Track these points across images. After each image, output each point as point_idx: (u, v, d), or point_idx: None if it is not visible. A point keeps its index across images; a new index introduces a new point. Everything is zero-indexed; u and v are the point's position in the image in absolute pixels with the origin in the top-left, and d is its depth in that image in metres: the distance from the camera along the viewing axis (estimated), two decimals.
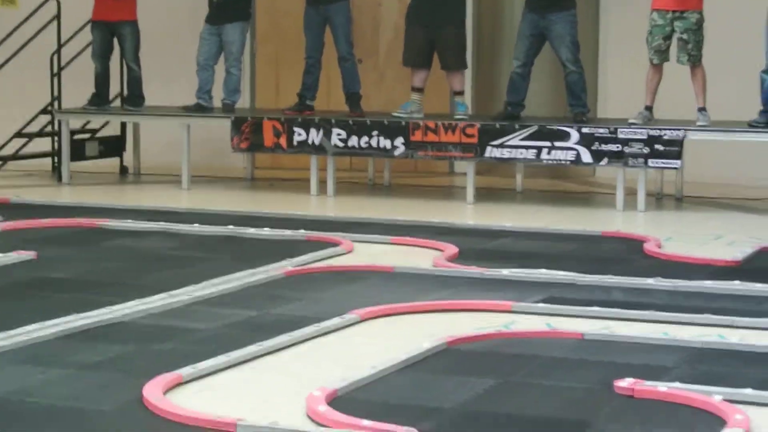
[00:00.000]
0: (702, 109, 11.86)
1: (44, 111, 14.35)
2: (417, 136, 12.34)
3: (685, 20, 11.83)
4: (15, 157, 14.43)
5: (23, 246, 9.59)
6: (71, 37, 14.43)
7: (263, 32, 14.64)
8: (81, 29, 14.35)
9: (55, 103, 14.27)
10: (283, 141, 12.80)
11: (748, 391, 5.61)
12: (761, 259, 9.34)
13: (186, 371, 5.95)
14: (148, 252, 9.72)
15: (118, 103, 14.46)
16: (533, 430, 5.23)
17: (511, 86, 12.57)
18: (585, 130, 11.88)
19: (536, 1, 12.33)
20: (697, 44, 11.85)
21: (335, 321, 7.12)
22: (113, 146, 14.65)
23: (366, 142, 12.56)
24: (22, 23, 14.59)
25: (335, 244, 9.73)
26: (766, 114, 11.62)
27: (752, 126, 11.67)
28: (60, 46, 14.34)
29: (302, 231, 10.31)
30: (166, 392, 5.63)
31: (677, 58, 11.94)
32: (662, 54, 11.99)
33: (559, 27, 12.29)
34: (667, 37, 11.93)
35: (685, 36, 11.85)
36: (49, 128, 14.42)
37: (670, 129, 11.67)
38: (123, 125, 14.62)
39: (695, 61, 11.86)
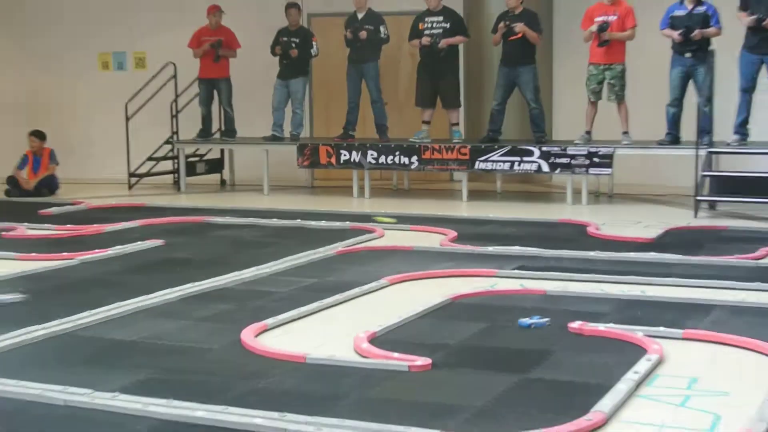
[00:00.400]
0: (625, 133, 11.87)
1: (167, 142, 14.33)
2: (426, 155, 12.37)
3: (612, 70, 11.78)
4: (147, 174, 14.47)
5: (154, 236, 9.70)
6: (185, 90, 14.38)
7: (318, 83, 14.53)
8: (191, 84, 14.29)
9: (175, 137, 14.28)
10: (333, 160, 12.86)
11: (661, 329, 5.77)
12: (668, 237, 9.33)
13: (270, 321, 6.15)
14: (240, 239, 9.76)
15: (218, 135, 14.48)
16: (512, 358, 5.43)
17: (492, 119, 12.54)
18: (544, 148, 11.90)
19: (508, 58, 12.28)
20: (621, 87, 11.81)
21: (372, 285, 7.26)
22: (215, 166, 14.65)
23: (391, 160, 12.59)
24: (150, 80, 14.51)
25: (371, 232, 9.76)
26: (670, 135, 11.64)
27: (661, 144, 11.73)
28: (177, 96, 14.29)
29: (347, 222, 10.33)
30: (256, 336, 5.82)
31: (608, 97, 11.93)
32: (597, 94, 11.95)
33: (525, 77, 12.26)
34: (600, 82, 11.87)
35: (612, 81, 11.80)
36: (170, 154, 14.44)
37: (603, 147, 11.70)
38: (222, 151, 14.62)
39: (620, 100, 11.84)
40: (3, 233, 10.21)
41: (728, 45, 11.28)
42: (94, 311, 6.49)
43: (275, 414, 4.40)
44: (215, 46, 13.85)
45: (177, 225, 10.69)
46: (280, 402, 4.61)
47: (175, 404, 4.58)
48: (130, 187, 14.35)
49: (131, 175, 14.42)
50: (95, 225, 10.57)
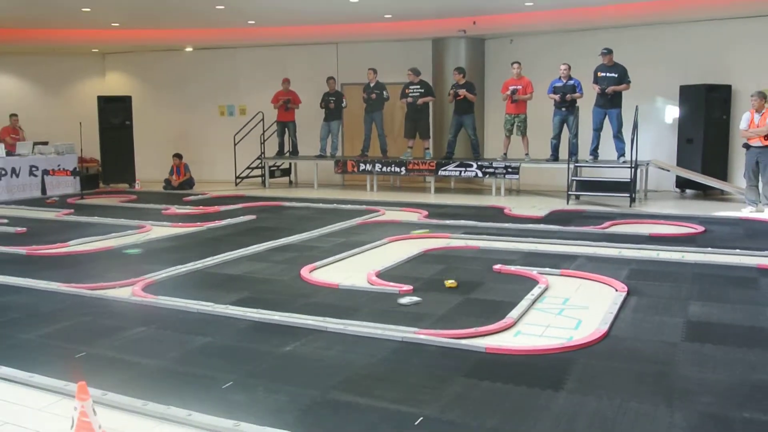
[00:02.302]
0: (527, 154, 11.87)
1: (258, 158, 14.29)
2: (410, 166, 12.36)
3: (519, 117, 11.73)
4: (246, 177, 14.41)
5: (250, 213, 9.73)
6: (269, 127, 14.32)
7: (346, 124, 14.40)
8: (272, 124, 14.23)
9: (262, 155, 14.20)
10: (355, 168, 12.86)
11: (547, 269, 5.81)
12: (552, 216, 9.33)
13: (318, 263, 6.19)
14: (300, 215, 9.76)
15: (288, 154, 14.40)
16: (460, 285, 5.45)
17: (448, 145, 12.48)
18: (479, 163, 11.88)
19: (458, 110, 12.20)
20: (524, 127, 11.74)
21: (379, 242, 7.34)
22: (286, 172, 14.57)
23: (389, 169, 12.62)
24: (248, 122, 14.46)
25: (378, 212, 9.78)
26: (553, 156, 11.56)
27: (547, 161, 11.68)
28: (264, 131, 14.27)
29: (364, 206, 10.34)
30: (310, 272, 5.84)
31: (516, 133, 11.87)
32: (510, 131, 11.89)
33: (468, 121, 12.21)
34: (512, 124, 11.83)
35: (519, 124, 11.75)
36: (260, 164, 14.39)
37: (514, 162, 11.69)
38: (290, 164, 14.57)
39: (524, 135, 11.79)
40: (163, 211, 10.26)
41: (587, 103, 11.27)
42: (215, 257, 6.54)
43: (320, 318, 4.45)
44: (286, 102, 13.80)
45: (263, 207, 10.68)
46: (323, 311, 4.68)
47: (262, 312, 4.65)
48: (236, 184, 14.28)
49: (237, 177, 14.36)
50: (215, 206, 10.59)
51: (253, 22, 12.63)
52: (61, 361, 3.82)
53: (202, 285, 5.57)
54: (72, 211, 10.35)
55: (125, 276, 5.74)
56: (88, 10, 11.23)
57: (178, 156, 13.98)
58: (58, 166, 13.17)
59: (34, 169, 12.83)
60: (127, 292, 5.30)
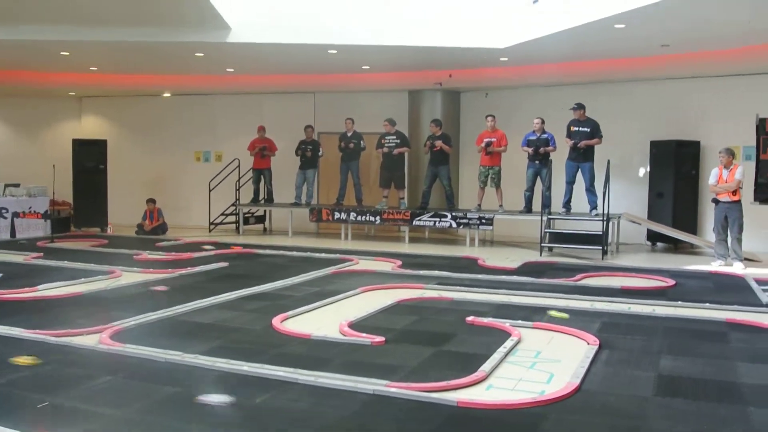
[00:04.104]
0: (500, 206, 11.95)
1: (232, 204, 14.27)
2: (385, 216, 12.40)
3: (493, 169, 11.83)
4: (220, 223, 14.36)
5: (223, 260, 9.65)
6: (244, 174, 14.35)
7: (322, 172, 14.52)
8: (247, 171, 14.26)
9: (237, 201, 14.20)
10: (330, 217, 12.86)
11: (519, 321, 5.81)
12: (525, 267, 9.38)
13: (290, 313, 6.13)
14: (274, 263, 9.70)
15: (263, 201, 14.34)
16: (432, 337, 5.44)
17: (423, 196, 12.55)
18: (453, 213, 11.96)
19: (433, 161, 12.30)
20: (498, 179, 11.82)
21: (352, 292, 7.29)
22: (261, 219, 14.53)
23: (364, 218, 12.64)
24: (224, 168, 14.53)
25: (351, 261, 9.76)
26: (526, 208, 11.64)
27: (521, 212, 11.76)
28: (239, 178, 14.31)
29: (338, 255, 10.32)
30: (281, 321, 5.79)
31: (490, 185, 11.96)
32: (484, 183, 11.96)
33: (443, 172, 12.33)
34: (486, 176, 11.92)
35: (493, 176, 11.83)
36: (234, 211, 14.34)
37: (487, 213, 11.77)
38: (265, 211, 14.53)
39: (498, 186, 11.86)
40: (134, 256, 10.15)
41: (560, 156, 11.44)
42: (185, 305, 6.45)
43: (290, 369, 4.39)
44: (262, 149, 13.84)
45: (236, 254, 10.61)
46: (294, 362, 4.61)
47: (231, 362, 4.57)
48: (210, 230, 14.19)
49: (210, 223, 14.29)
50: (188, 253, 10.50)
51: (231, 69, 12.72)
52: (22, 412, 3.71)
53: (171, 333, 5.48)
54: (41, 254, 10.19)
55: (93, 323, 5.64)
56: (67, 53, 11.25)
57: (151, 201, 13.91)
58: (29, 208, 13.02)
59: (3, 211, 12.66)
60: (94, 339, 5.19)
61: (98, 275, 8.27)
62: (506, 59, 10.95)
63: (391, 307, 6.54)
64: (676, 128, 12.20)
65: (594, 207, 11.02)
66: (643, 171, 12.64)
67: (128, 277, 8.22)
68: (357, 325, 5.69)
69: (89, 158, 14.15)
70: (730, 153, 9.72)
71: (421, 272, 8.69)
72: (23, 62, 12.21)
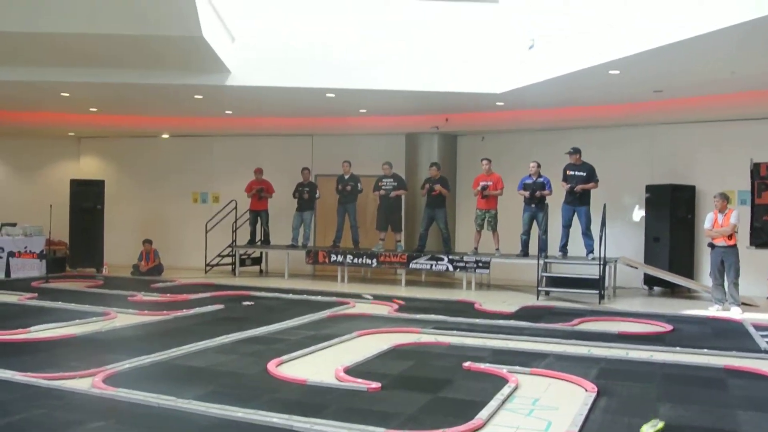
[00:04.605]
0: (497, 249, 11.95)
1: (229, 246, 14.24)
2: (382, 259, 12.36)
3: (490, 213, 11.86)
4: (216, 265, 14.30)
5: (218, 302, 9.59)
6: (241, 216, 14.35)
7: (319, 214, 14.53)
8: (244, 213, 14.26)
9: (234, 243, 14.15)
10: (327, 259, 12.82)
11: (517, 367, 5.75)
12: (522, 312, 9.32)
13: (285, 357, 6.07)
14: (270, 305, 9.64)
15: (259, 243, 14.32)
16: (428, 383, 5.38)
17: (420, 238, 12.52)
18: (450, 257, 11.93)
19: (430, 204, 12.34)
20: (495, 223, 11.84)
21: (347, 336, 7.23)
22: (257, 261, 14.47)
23: (361, 261, 12.60)
24: (221, 210, 14.56)
25: (348, 304, 9.70)
26: (523, 251, 11.63)
27: (517, 256, 11.70)
28: (236, 219, 14.31)
29: (334, 297, 10.27)
30: (276, 366, 5.73)
31: (487, 229, 11.97)
32: (480, 226, 11.96)
33: (440, 215, 12.34)
34: (483, 220, 11.94)
35: (490, 219, 11.84)
36: (231, 253, 14.30)
37: (484, 257, 11.74)
38: (261, 252, 14.47)
39: (494, 230, 11.88)
40: (128, 297, 10.09)
41: (556, 200, 11.48)
42: (180, 348, 6.39)
43: (285, 416, 4.33)
44: (260, 191, 13.88)
45: (232, 296, 10.55)
46: (289, 408, 4.55)
47: (225, 408, 4.51)
48: (206, 272, 14.14)
49: (206, 264, 14.23)
50: (184, 294, 10.45)
51: (230, 112, 12.84)
52: None
53: (165, 377, 5.41)
54: (36, 295, 10.13)
55: (86, 366, 5.57)
56: (67, 95, 11.35)
57: (148, 242, 13.89)
58: (25, 248, 12.98)
59: None
60: (86, 383, 5.12)
61: (93, 317, 8.20)
62: (502, 104, 11.08)
63: (388, 352, 6.48)
64: (671, 172, 12.29)
65: (590, 251, 11.02)
66: (638, 214, 12.68)
67: (123, 319, 8.16)
68: (353, 371, 5.63)
69: (87, 198, 14.17)
70: (725, 197, 9.77)
71: (418, 316, 8.63)
72: (23, 102, 12.31)
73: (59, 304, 9.15)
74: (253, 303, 9.59)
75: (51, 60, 9.73)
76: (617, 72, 8.73)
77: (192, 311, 8.78)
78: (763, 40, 7.12)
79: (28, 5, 7.87)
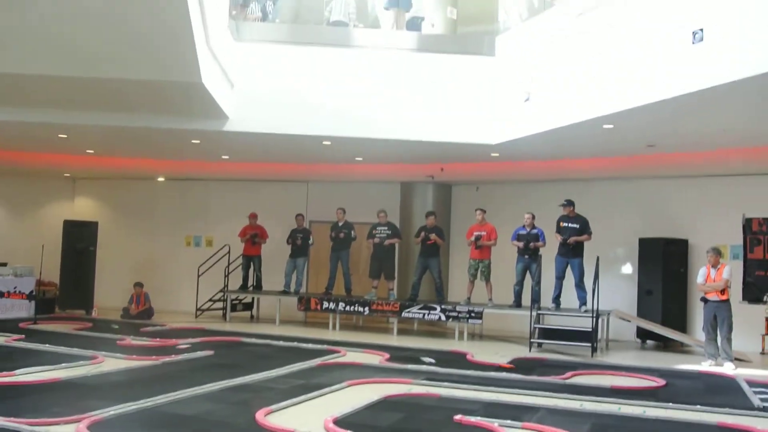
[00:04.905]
0: (490, 299, 11.90)
1: (221, 291, 14.15)
2: (374, 307, 12.28)
3: (483, 263, 11.85)
4: (207, 309, 14.18)
5: (208, 348, 9.51)
6: (234, 260, 14.33)
7: (313, 261, 14.51)
8: (237, 257, 14.23)
9: (226, 288, 14.05)
10: (318, 306, 12.75)
11: (508, 421, 5.69)
12: (514, 363, 9.28)
13: (274, 407, 6.00)
14: (260, 352, 9.57)
15: (251, 288, 14.26)
16: None
17: (413, 287, 12.48)
18: (442, 306, 11.86)
19: (424, 253, 12.35)
20: (488, 273, 11.82)
21: (338, 386, 7.16)
22: (248, 306, 14.36)
23: (353, 308, 12.53)
24: (214, 254, 14.53)
25: (339, 352, 9.62)
26: (516, 302, 11.63)
27: (510, 307, 11.67)
28: (229, 264, 14.27)
29: (325, 345, 10.18)
30: (265, 415, 5.66)
31: (480, 279, 11.95)
32: (474, 276, 11.96)
33: (434, 264, 12.32)
34: (476, 269, 11.94)
35: (483, 269, 11.84)
36: (222, 297, 14.21)
37: (477, 307, 11.67)
38: (253, 298, 14.35)
39: (487, 280, 11.84)
40: (118, 341, 10.00)
41: (550, 251, 11.50)
42: (167, 395, 6.31)
43: None
44: (253, 236, 13.88)
45: (222, 342, 10.46)
46: None
47: None
48: (196, 316, 14.02)
49: (197, 309, 14.12)
50: (173, 339, 10.35)
51: (227, 157, 12.90)
52: None
53: (151, 425, 5.33)
54: (23, 336, 10.03)
55: (71, 412, 5.49)
56: (65, 136, 11.40)
57: (139, 285, 13.81)
58: (15, 288, 12.89)
59: None
60: (70, 430, 5.04)
61: (80, 360, 8.10)
62: (497, 155, 11.18)
63: (378, 403, 6.40)
64: (664, 226, 12.35)
65: (583, 303, 11.00)
66: (628, 267, 12.73)
67: (111, 363, 8.06)
68: (342, 422, 5.56)
69: (80, 240, 14.14)
70: (718, 252, 9.81)
71: (409, 366, 8.55)
72: (20, 142, 12.35)
73: (46, 347, 9.04)
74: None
75: (50, 102, 9.80)
76: (611, 126, 8.85)
77: (181, 357, 8.69)
78: (753, 98, 7.25)
79: (28, 47, 7.96)
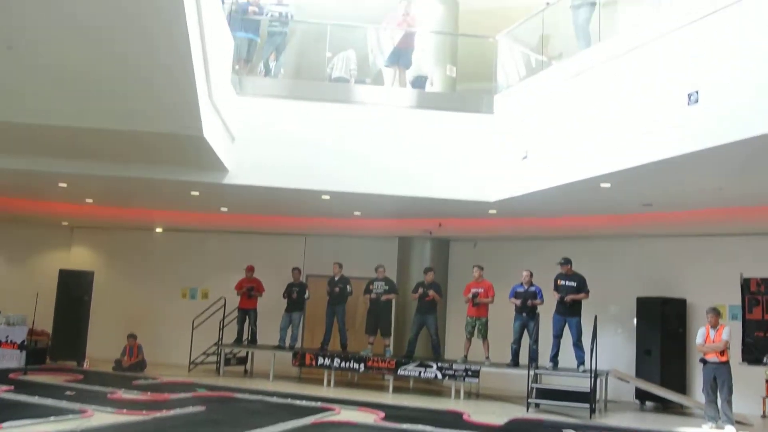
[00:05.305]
0: (487, 358, 11.76)
1: (215, 344, 13.97)
2: (370, 363, 12.15)
3: (480, 320, 11.77)
4: (200, 363, 14.00)
5: (200, 403, 9.38)
6: (229, 314, 14.19)
7: (309, 315, 14.33)
8: (233, 310, 14.11)
9: (220, 341, 13.86)
10: (313, 362, 12.59)
11: None
12: (511, 424, 9.15)
13: None
14: (253, 408, 9.44)
15: (246, 342, 14.08)
16: None
17: (409, 344, 12.38)
18: (439, 364, 11.72)
19: (421, 309, 12.28)
20: (485, 331, 11.72)
21: None
22: (242, 360, 14.14)
23: (349, 365, 12.38)
24: (209, 306, 14.39)
25: (333, 410, 9.47)
26: (513, 361, 11.50)
27: (508, 366, 11.52)
28: (224, 317, 14.11)
29: (319, 402, 10.03)
30: None
31: (477, 336, 11.83)
32: (471, 334, 11.84)
33: (430, 321, 12.24)
34: (473, 327, 11.84)
35: (480, 327, 11.76)
36: (216, 351, 13.99)
37: (474, 365, 11.55)
38: (247, 352, 14.15)
39: (484, 338, 11.74)
40: (109, 395, 9.84)
41: (548, 309, 11.44)
42: None
43: None
44: (250, 290, 13.81)
45: (214, 397, 10.30)
46: None
47: None
48: (189, 370, 13.83)
49: (191, 362, 13.94)
50: (165, 393, 10.20)
51: (225, 209, 12.93)
52: None
53: None
54: (12, 387, 9.87)
55: None
56: (65, 185, 11.44)
57: (132, 336, 13.67)
58: (6, 337, 12.77)
59: None
60: None
61: (69, 414, 7.96)
62: (495, 212, 11.21)
63: None
64: (662, 285, 12.31)
65: (581, 363, 10.88)
66: (628, 327, 12.63)
67: (100, 418, 7.91)
68: None
69: (75, 289, 14.06)
70: (717, 313, 9.76)
71: (405, 426, 8.39)
72: (20, 190, 12.38)
73: (35, 399, 8.90)
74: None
75: (51, 151, 9.84)
76: (608, 185, 8.90)
77: (172, 412, 8.54)
78: (749, 160, 7.31)
79: (34, 98, 8.05)
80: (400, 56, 11.51)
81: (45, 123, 8.54)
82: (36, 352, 13.36)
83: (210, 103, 8.71)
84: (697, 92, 7.02)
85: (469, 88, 12.61)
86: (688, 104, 7.10)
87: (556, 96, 9.42)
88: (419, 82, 11.67)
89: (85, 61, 7.17)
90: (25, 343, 12.89)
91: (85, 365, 13.61)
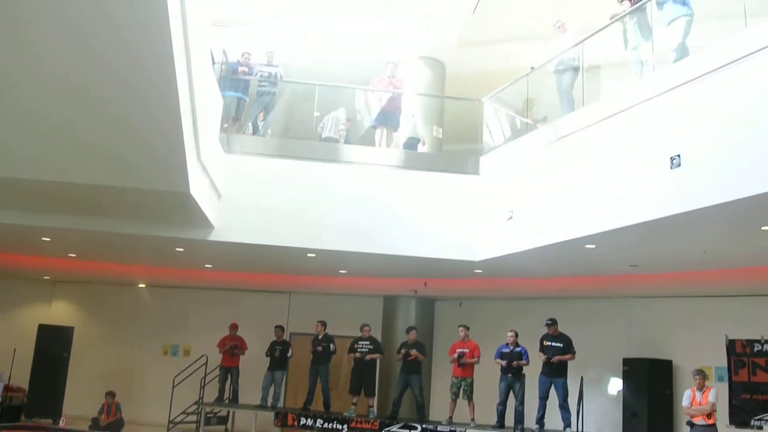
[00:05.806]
0: (472, 419, 11.57)
1: (195, 403, 13.74)
2: (353, 425, 11.87)
3: (466, 381, 11.62)
4: (180, 422, 13.70)
5: None
6: (211, 371, 14.00)
7: (291, 374, 14.20)
8: (215, 368, 13.91)
9: (201, 400, 13.66)
10: (296, 423, 12.33)
11: None
12: None
13: None
14: None
15: (227, 402, 13.81)
16: None
17: (393, 404, 12.19)
18: (423, 425, 11.51)
19: (405, 369, 12.13)
20: (471, 391, 11.58)
21: None
22: (223, 420, 13.77)
23: (331, 426, 12.10)
24: (191, 364, 14.20)
25: None
26: (498, 423, 11.31)
27: (493, 428, 11.29)
28: (205, 375, 13.93)
29: None
30: None
31: (462, 397, 11.66)
32: (456, 394, 11.64)
33: (415, 381, 12.08)
34: (458, 388, 11.68)
35: (465, 387, 11.60)
36: (197, 410, 13.70)
37: (459, 427, 11.34)
38: (228, 411, 13.83)
39: (470, 399, 11.57)
40: None
41: (533, 370, 11.32)
42: None
43: None
44: (233, 348, 13.61)
45: None
46: None
47: None
48: (168, 429, 13.54)
49: (170, 422, 13.64)
50: None
51: (210, 265, 12.85)
52: None
53: None
54: None
55: None
56: (48, 239, 11.34)
57: (110, 394, 13.38)
58: None
59: None
60: None
61: None
62: (481, 271, 11.21)
63: None
64: (647, 346, 12.26)
65: (568, 425, 10.73)
66: (615, 386, 12.51)
67: None
68: None
69: (54, 345, 13.80)
70: (703, 375, 9.71)
71: None
72: (1, 244, 12.26)
73: None
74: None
75: (36, 205, 9.78)
76: (593, 246, 8.93)
77: None
78: (732, 222, 7.38)
79: (18, 152, 8.02)
80: (387, 117, 11.67)
81: (30, 177, 8.49)
82: (11, 410, 13.00)
83: (198, 160, 8.72)
84: (679, 156, 7.11)
85: (455, 149, 12.76)
86: (671, 168, 7.18)
87: (540, 158, 9.54)
88: (411, 144, 11.81)
89: (72, 116, 7.16)
90: (0, 400, 12.56)
91: (61, 423, 13.22)
